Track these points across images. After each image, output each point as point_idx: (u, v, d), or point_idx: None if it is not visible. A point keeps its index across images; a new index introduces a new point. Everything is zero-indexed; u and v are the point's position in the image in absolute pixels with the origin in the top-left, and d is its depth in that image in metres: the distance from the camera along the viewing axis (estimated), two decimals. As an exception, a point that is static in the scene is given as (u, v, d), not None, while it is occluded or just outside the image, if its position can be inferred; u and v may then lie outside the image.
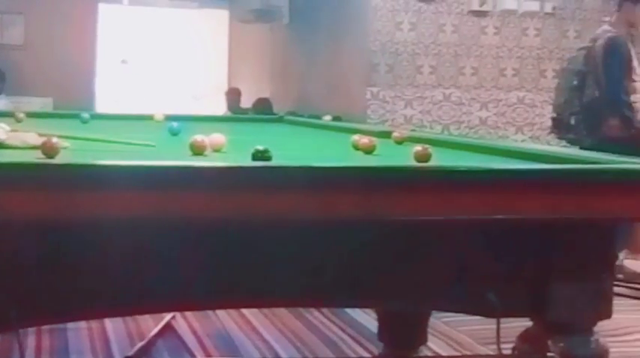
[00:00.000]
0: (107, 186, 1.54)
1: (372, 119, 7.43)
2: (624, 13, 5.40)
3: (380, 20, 7.47)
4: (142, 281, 1.74)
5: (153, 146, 2.40)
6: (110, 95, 10.88)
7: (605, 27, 5.53)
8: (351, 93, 7.91)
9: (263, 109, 8.76)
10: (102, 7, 10.57)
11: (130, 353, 3.68)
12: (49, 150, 1.85)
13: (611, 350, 2.05)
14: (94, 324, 4.05)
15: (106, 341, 3.91)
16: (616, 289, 3.15)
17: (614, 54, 5.24)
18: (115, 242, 1.70)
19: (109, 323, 4.08)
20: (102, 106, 10.26)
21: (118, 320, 4.05)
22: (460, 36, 7.68)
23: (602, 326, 1.99)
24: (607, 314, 1.98)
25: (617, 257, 5.12)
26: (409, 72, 7.58)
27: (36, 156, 1.85)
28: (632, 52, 5.33)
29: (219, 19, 11.43)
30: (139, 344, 3.78)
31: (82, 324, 4.01)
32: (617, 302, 2.03)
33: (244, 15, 10.17)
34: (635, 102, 5.25)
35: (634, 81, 5.27)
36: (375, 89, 7.54)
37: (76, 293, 1.72)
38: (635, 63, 5.31)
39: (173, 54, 11.53)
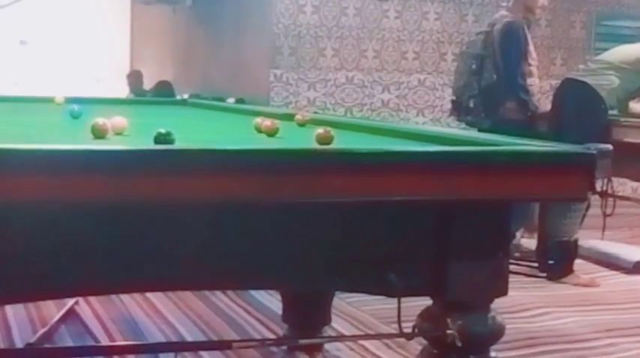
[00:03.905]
0: (4, 170, 1.51)
1: (275, 102, 7.45)
2: (521, -1, 5.52)
3: (283, 3, 7.48)
4: (42, 267, 1.72)
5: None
6: (9, 77, 10.60)
7: (503, 12, 5.64)
8: (254, 76, 7.90)
9: (164, 92, 8.68)
10: (-1, -13, 10.28)
11: (32, 340, 3.62)
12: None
13: (508, 326, 2.11)
14: (-5, 311, 3.98)
15: (7, 328, 3.84)
16: (512, 267, 3.24)
17: (511, 38, 5.34)
18: (14, 227, 1.67)
19: (9, 309, 4.01)
20: (0, 89, 9.99)
21: (19, 306, 3.98)
22: (362, 19, 7.74)
23: (499, 303, 2.04)
24: (503, 292, 2.03)
25: (513, 236, 5.26)
26: (312, 54, 7.62)
27: None
28: (529, 37, 5.45)
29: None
30: (42, 331, 3.72)
31: (-18, 311, 3.94)
32: (513, 279, 2.08)
33: (146, -4, 10.04)
34: (531, 86, 5.38)
35: (530, 65, 5.39)
36: (278, 71, 7.55)
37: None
38: (531, 47, 5.43)
39: (74, 35, 11.29)
